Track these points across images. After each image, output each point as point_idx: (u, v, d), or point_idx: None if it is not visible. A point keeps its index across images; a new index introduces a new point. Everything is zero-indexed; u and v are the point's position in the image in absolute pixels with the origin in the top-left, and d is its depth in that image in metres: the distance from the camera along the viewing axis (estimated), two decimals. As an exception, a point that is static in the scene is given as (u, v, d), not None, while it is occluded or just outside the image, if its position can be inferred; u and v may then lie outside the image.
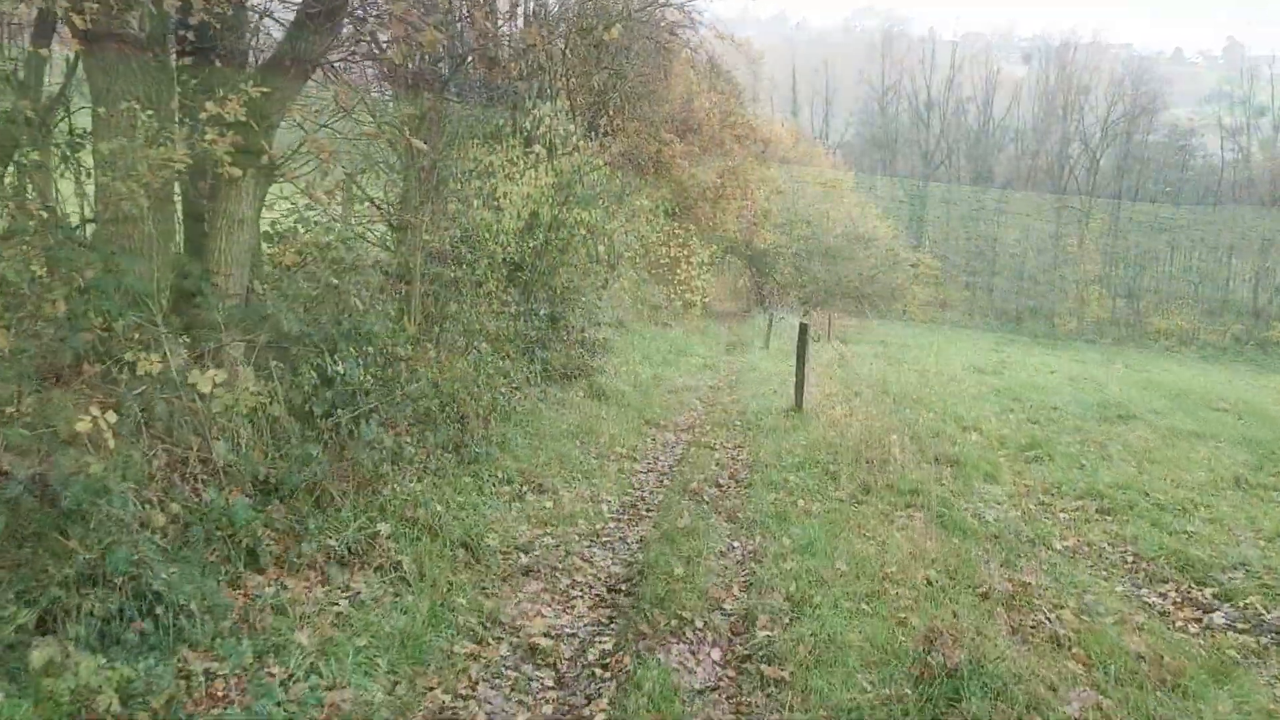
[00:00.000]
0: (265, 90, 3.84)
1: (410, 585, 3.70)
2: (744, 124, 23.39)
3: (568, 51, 8.16)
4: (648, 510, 5.52)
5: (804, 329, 8.59)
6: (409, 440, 5.03)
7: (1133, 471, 6.88)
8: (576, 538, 4.73)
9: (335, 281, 4.55)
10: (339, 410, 4.56)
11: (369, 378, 4.84)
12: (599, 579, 4.21)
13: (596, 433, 7.28)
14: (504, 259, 7.86)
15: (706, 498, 5.66)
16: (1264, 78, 50.28)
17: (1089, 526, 5.39)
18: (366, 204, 6.70)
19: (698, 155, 21.85)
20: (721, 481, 6.19)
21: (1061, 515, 5.66)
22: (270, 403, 3.97)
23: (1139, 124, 53.05)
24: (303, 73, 4.26)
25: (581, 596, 3.96)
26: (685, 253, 23.54)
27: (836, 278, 29.48)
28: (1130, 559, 4.87)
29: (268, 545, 3.63)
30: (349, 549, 3.80)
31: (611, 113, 8.60)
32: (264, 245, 4.91)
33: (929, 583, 4.05)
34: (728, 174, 23.17)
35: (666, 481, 6.32)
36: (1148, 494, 6.07)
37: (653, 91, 15.73)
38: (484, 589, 3.84)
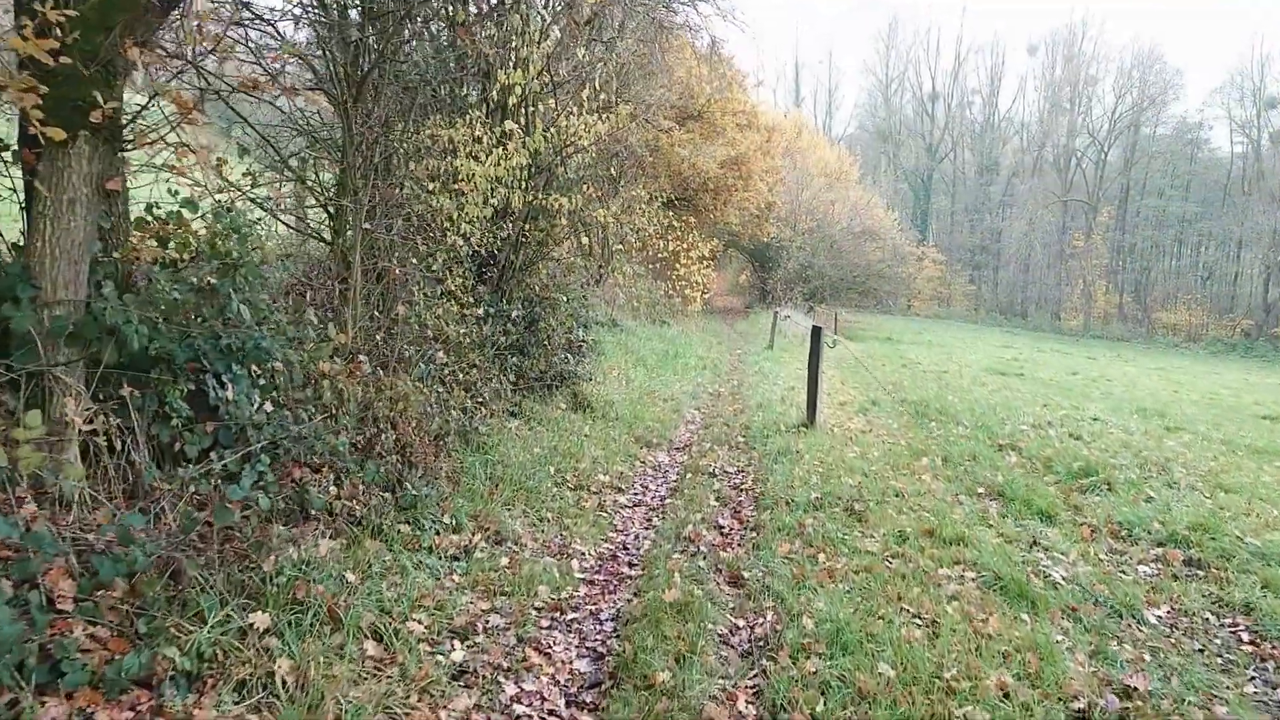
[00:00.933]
0: (73, 14, 2.75)
1: (283, 710, 2.63)
2: (748, 110, 22.28)
3: (546, 13, 7.05)
4: (631, 565, 4.45)
5: (817, 334, 7.50)
6: (325, 483, 3.96)
7: (1209, 504, 5.80)
8: (534, 614, 3.65)
9: (213, 282, 3.46)
10: (222, 451, 3.49)
11: (268, 404, 3.76)
12: (556, 683, 3.13)
13: (576, 457, 6.20)
14: (470, 252, 6.77)
15: (704, 547, 4.58)
16: (1275, 68, 48.98)
17: (1181, 586, 4.31)
18: (299, 185, 5.62)
19: (698, 143, 20.73)
20: (723, 523, 5.11)
21: (1141, 569, 4.58)
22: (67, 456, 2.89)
23: (1147, 116, 51.89)
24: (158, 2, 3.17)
25: (530, 717, 2.88)
26: (685, 246, 22.47)
27: (842, 272, 28.41)
28: (1248, 637, 3.79)
29: (79, 657, 2.56)
30: (200, 656, 2.72)
31: (598, 85, 7.49)
32: (136, 235, 3.83)
33: (1005, 695, 2.97)
34: (730, 164, 22.03)
35: (656, 521, 5.24)
36: (1240, 538, 4.99)
37: (649, 73, 14.62)
38: (390, 710, 2.77)
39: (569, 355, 9.13)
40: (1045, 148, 57.07)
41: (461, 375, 5.96)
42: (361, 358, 4.83)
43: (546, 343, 8.12)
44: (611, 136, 11.36)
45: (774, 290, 26.96)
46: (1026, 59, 64.32)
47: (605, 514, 5.26)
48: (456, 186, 6.00)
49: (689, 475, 6.25)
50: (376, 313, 5.54)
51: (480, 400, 6.29)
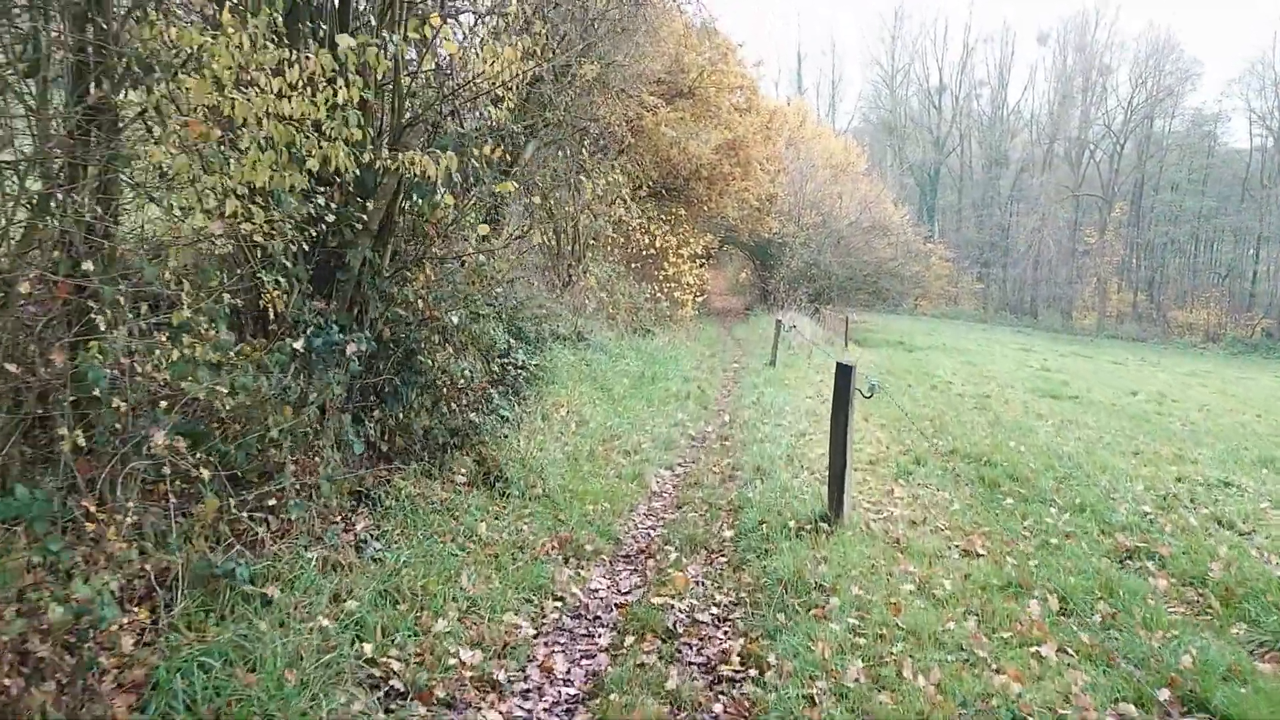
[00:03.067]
0: None
1: None
2: (747, 85, 19.57)
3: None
4: None
5: (844, 375, 4.78)
6: None
7: None
8: None
9: None
10: None
11: None
12: None
13: (433, 605, 3.52)
14: (279, 247, 4.05)
15: None
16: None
17: None
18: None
19: (689, 124, 17.96)
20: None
21: None
22: None
23: (1163, 107, 49.29)
24: None
25: None
26: (674, 243, 19.78)
27: (850, 270, 25.66)
28: None
29: None
30: None
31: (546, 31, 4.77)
32: None
33: None
34: (726, 149, 19.28)
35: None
36: None
37: (624, 29, 11.92)
38: None
39: (494, 393, 6.49)
40: (1056, 141, 54.42)
41: (210, 468, 3.27)
42: None
43: (443, 385, 5.43)
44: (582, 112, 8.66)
45: (776, 290, 24.16)
46: (1036, 49, 61.32)
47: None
48: (209, 131, 3.30)
49: (630, 639, 3.57)
50: (11, 366, 2.85)
51: (268, 503, 3.61)
